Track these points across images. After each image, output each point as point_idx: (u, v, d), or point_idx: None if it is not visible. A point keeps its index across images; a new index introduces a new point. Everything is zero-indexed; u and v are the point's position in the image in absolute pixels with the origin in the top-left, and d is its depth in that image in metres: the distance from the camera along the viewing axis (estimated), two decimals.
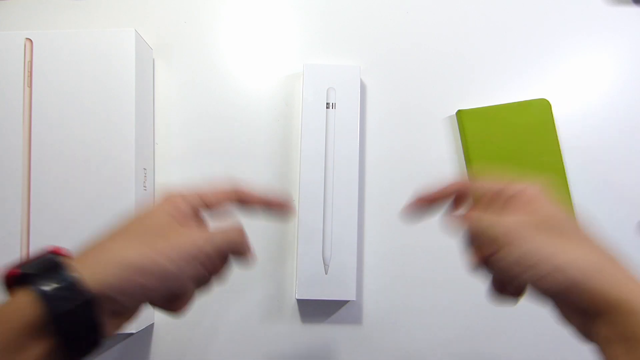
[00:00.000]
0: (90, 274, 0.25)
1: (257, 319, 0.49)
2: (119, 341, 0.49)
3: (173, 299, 0.30)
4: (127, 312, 0.27)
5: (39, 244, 0.44)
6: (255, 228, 0.50)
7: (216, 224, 0.32)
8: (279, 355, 0.49)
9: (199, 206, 0.31)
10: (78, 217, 0.44)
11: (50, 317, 0.24)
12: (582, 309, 0.26)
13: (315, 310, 0.49)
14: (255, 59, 0.52)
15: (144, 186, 0.47)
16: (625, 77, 0.52)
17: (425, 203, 0.33)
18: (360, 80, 0.50)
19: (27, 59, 0.46)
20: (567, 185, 0.49)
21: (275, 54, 0.52)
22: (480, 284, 0.50)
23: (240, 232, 0.31)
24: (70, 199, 0.45)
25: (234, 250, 0.31)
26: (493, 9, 0.53)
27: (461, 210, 0.33)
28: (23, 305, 0.24)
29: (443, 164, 0.51)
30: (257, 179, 0.50)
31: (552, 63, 0.52)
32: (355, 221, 0.47)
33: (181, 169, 0.50)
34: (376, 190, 0.51)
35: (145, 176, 0.48)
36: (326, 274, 0.46)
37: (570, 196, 0.49)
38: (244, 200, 0.33)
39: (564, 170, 0.49)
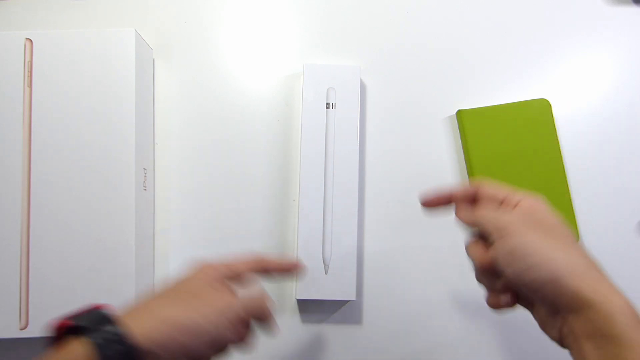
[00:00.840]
0: (139, 329, 0.28)
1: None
2: None
3: None
4: None
5: (39, 244, 0.44)
6: (255, 228, 0.50)
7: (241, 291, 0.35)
8: (279, 355, 0.49)
9: (228, 275, 0.34)
10: (78, 217, 0.44)
11: None
12: (558, 305, 0.28)
13: (315, 310, 0.49)
14: (255, 59, 0.52)
15: (144, 186, 0.47)
16: (625, 77, 0.52)
17: (440, 200, 0.36)
18: (360, 80, 0.50)
19: (27, 59, 0.46)
20: (567, 185, 0.49)
21: (275, 54, 0.52)
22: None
23: (265, 300, 0.35)
24: (70, 198, 0.45)
25: (259, 315, 0.34)
26: (493, 9, 0.53)
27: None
28: (79, 355, 0.26)
29: (443, 164, 0.51)
30: (256, 179, 0.50)
31: (552, 63, 0.53)
32: (355, 221, 0.47)
33: (181, 169, 0.51)
34: (376, 190, 0.51)
35: (145, 176, 0.48)
36: (326, 274, 0.46)
37: (570, 196, 0.49)
38: (266, 270, 0.37)
39: (564, 170, 0.49)
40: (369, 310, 0.49)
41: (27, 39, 0.46)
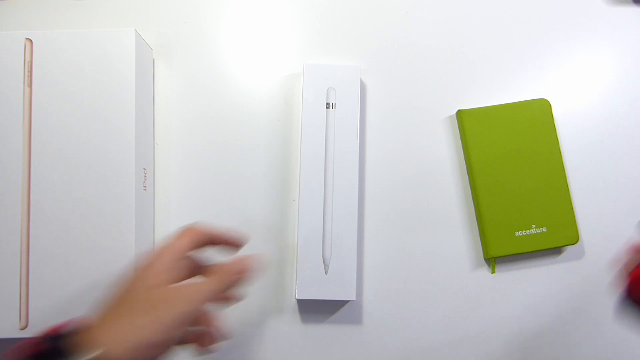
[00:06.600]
0: (113, 352, 0.28)
1: (257, 319, 0.49)
2: None
3: None
4: None
5: (39, 244, 0.44)
6: (255, 228, 0.50)
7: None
8: (279, 355, 0.49)
9: (185, 256, 0.35)
10: (78, 217, 0.44)
11: None
12: None
13: (315, 310, 0.49)
14: (255, 59, 0.52)
15: (144, 186, 0.47)
16: (625, 77, 0.52)
17: None
18: (360, 80, 0.50)
19: (27, 59, 0.46)
20: (567, 185, 0.49)
21: (275, 54, 0.52)
22: (480, 284, 0.51)
23: (242, 267, 0.35)
24: (70, 198, 0.45)
25: (236, 282, 0.35)
26: (493, 8, 0.53)
27: None
28: None
29: (443, 164, 0.51)
30: (256, 178, 0.50)
31: (552, 63, 0.53)
32: (355, 221, 0.47)
33: (181, 169, 0.51)
34: (376, 190, 0.51)
35: (145, 176, 0.48)
36: (326, 274, 0.46)
37: (570, 196, 0.49)
38: (214, 242, 0.37)
39: (564, 170, 0.49)
40: (369, 310, 0.49)
41: (27, 39, 0.46)
